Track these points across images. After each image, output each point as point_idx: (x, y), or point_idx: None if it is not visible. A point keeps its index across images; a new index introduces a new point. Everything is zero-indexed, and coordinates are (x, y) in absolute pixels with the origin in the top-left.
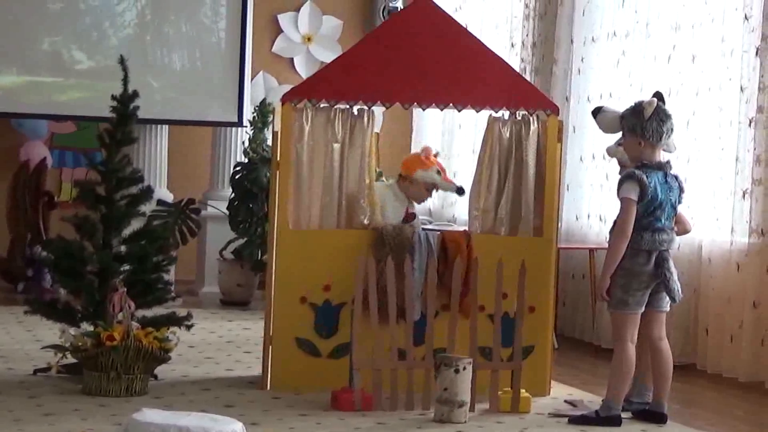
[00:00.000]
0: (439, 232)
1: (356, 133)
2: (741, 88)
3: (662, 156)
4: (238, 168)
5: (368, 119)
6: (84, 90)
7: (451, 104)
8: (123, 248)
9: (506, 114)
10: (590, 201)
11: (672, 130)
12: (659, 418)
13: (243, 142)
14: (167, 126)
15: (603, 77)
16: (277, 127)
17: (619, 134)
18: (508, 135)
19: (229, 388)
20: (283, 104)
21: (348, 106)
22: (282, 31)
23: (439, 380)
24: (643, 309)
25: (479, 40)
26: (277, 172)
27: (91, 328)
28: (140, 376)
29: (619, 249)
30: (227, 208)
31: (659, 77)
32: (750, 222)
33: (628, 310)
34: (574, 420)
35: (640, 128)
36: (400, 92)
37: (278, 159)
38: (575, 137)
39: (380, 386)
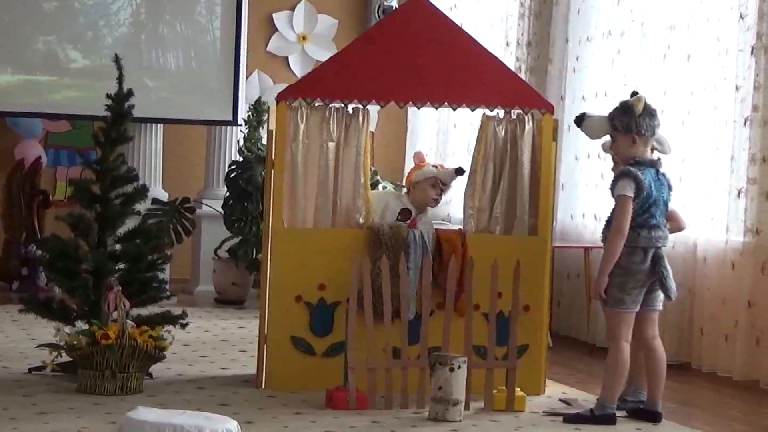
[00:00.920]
0: (434, 231)
1: (351, 132)
2: (736, 87)
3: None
4: (233, 167)
5: (363, 118)
6: (79, 89)
7: (446, 103)
8: (118, 247)
9: (501, 113)
10: (585, 200)
11: (660, 124)
12: (654, 417)
13: (238, 141)
14: (162, 125)
15: (598, 76)
16: (272, 126)
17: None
18: (503, 134)
19: (224, 386)
20: (278, 103)
21: (343, 105)
22: (277, 30)
23: (433, 379)
24: (638, 308)
25: (474, 39)
26: (272, 171)
27: (86, 327)
28: (135, 375)
29: (617, 247)
30: (222, 207)
31: (654, 76)
32: (745, 221)
33: (624, 309)
34: (568, 419)
35: (635, 125)
36: (395, 91)
37: (273, 158)
38: (570, 136)
39: (375, 385)
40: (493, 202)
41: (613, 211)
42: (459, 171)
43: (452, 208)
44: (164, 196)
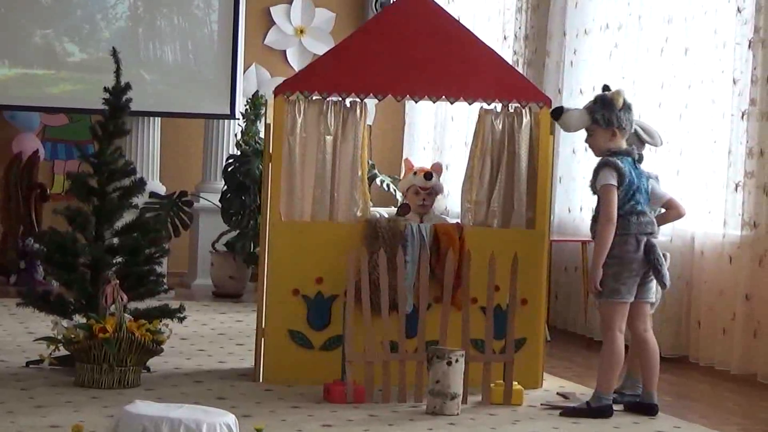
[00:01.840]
0: (431, 225)
1: (349, 126)
2: (734, 80)
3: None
4: (230, 160)
5: (361, 111)
6: (76, 82)
7: (443, 96)
8: (115, 240)
9: (498, 106)
10: (582, 193)
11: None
12: (650, 410)
13: (235, 135)
14: (159, 118)
15: (596, 70)
16: (270, 119)
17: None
18: (500, 127)
19: (222, 380)
20: (275, 96)
21: (340, 99)
22: (274, 24)
23: (431, 372)
24: (633, 298)
25: (472, 33)
26: (270, 165)
27: (84, 321)
28: (133, 369)
29: (608, 236)
30: (220, 201)
31: (652, 70)
32: (742, 215)
33: (619, 299)
34: (565, 412)
35: (616, 119)
36: (393, 84)
37: (271, 151)
38: None
39: (372, 378)
40: (491, 196)
41: (598, 203)
42: (427, 176)
43: (450, 201)
44: (162, 189)
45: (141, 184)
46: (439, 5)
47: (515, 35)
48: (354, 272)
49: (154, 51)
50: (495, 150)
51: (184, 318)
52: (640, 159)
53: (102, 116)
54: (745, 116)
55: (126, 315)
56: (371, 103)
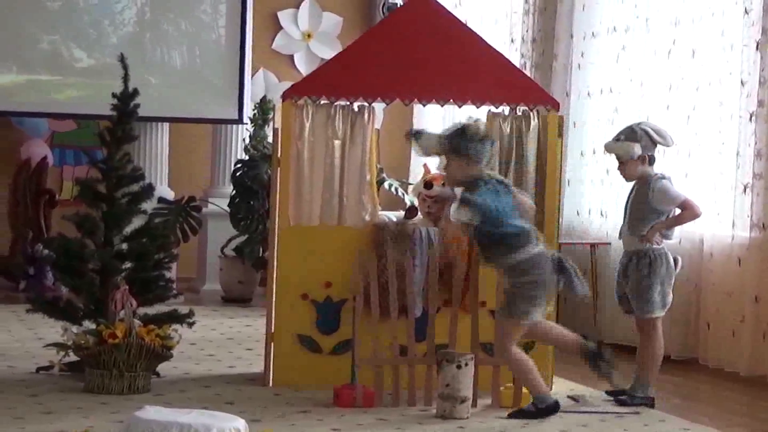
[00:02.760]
0: (439, 229)
1: (357, 130)
2: (741, 82)
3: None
4: (238, 165)
5: (369, 116)
6: (84, 88)
7: (451, 100)
8: (124, 246)
9: (506, 110)
10: (591, 196)
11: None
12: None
13: (243, 140)
14: (168, 124)
15: (603, 72)
16: (278, 124)
17: (607, 134)
18: (508, 130)
19: (231, 385)
20: (283, 101)
21: (348, 103)
22: (282, 28)
23: (440, 376)
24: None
25: (479, 36)
26: (278, 169)
27: (93, 326)
28: (142, 374)
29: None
30: (228, 206)
31: (659, 72)
32: (751, 216)
33: (525, 320)
34: (513, 415)
35: (471, 149)
36: (401, 88)
37: (279, 156)
38: (576, 132)
39: (382, 382)
40: None
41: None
42: (426, 185)
43: None
44: (170, 194)
45: (149, 189)
46: (446, 8)
47: (523, 38)
48: (363, 277)
49: (162, 56)
50: (503, 153)
51: (194, 323)
52: (652, 161)
53: (110, 122)
54: (753, 118)
55: (135, 320)
56: (379, 107)
